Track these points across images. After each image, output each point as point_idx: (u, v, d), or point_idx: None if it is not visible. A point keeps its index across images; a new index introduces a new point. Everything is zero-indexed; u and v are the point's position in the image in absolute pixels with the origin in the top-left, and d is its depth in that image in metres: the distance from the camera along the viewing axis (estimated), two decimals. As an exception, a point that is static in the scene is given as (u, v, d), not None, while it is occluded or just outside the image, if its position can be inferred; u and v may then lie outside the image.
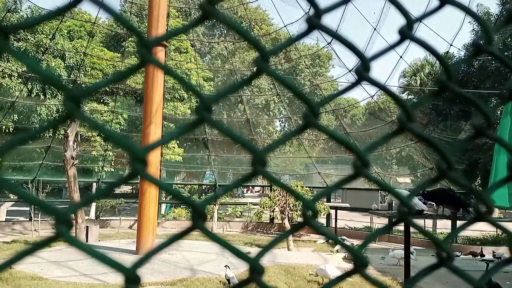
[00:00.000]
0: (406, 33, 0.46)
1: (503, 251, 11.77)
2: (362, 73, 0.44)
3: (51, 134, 16.94)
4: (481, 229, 15.10)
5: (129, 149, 0.39)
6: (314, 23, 0.41)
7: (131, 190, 32.13)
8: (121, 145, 0.39)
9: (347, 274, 0.45)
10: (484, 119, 0.49)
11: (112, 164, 19.63)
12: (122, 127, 19.20)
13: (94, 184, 18.58)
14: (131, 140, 0.42)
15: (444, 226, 15.48)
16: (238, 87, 0.45)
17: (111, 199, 19.22)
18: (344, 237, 13.70)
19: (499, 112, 14.45)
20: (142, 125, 11.95)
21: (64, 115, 0.37)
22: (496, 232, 13.85)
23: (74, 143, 12.89)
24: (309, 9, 15.10)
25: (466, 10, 0.50)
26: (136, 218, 12.13)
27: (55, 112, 16.80)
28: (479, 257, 11.73)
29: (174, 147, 19.50)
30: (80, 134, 16.30)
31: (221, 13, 0.39)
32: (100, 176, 18.12)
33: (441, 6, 0.47)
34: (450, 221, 13.38)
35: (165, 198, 20.41)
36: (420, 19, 0.49)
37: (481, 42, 0.51)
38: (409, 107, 0.47)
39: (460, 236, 14.18)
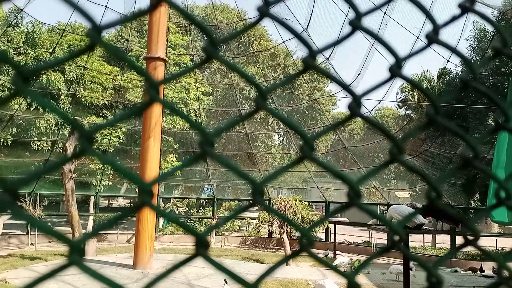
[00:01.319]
0: (395, 71, 0.49)
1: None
2: (355, 109, 0.47)
3: (49, 148, 16.95)
4: (481, 244, 15.03)
5: (137, 183, 0.42)
6: (310, 64, 0.44)
7: (129, 204, 32.00)
8: (130, 179, 0.42)
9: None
10: (471, 150, 0.53)
11: (110, 177, 19.59)
12: (121, 140, 19.22)
13: (92, 198, 18.51)
14: (137, 175, 0.45)
15: (443, 241, 15.43)
16: (238, 122, 0.48)
17: (108, 213, 19.14)
18: (338, 252, 13.63)
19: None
20: (141, 139, 11.98)
21: (78, 152, 0.40)
22: (496, 247, 13.81)
23: (72, 157, 12.87)
24: (307, 25, 15.28)
25: (453, 51, 0.54)
26: (134, 232, 12.06)
27: (53, 126, 16.84)
28: (478, 272, 11.68)
29: (172, 160, 19.50)
30: (79, 148, 16.30)
31: (222, 56, 0.42)
32: (98, 189, 18.07)
33: (428, 45, 0.51)
34: (450, 236, 13.34)
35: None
36: (407, 58, 0.53)
37: (469, 77, 0.54)
38: (398, 141, 0.50)
39: (460, 251, 14.12)
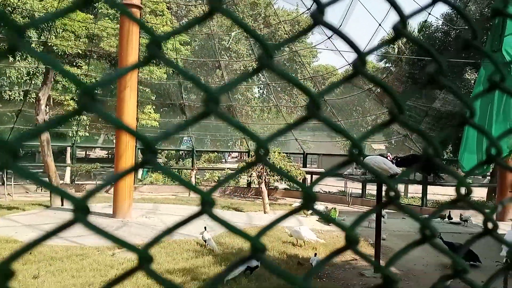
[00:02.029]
0: (400, 30, 0.49)
1: (469, 214, 12.40)
2: (360, 67, 0.46)
3: (21, 98, 16.39)
4: (450, 194, 15.77)
5: (144, 141, 0.41)
6: (319, 20, 0.43)
7: (107, 155, 31.79)
8: (140, 139, 0.41)
9: (339, 251, 0.50)
10: (467, 108, 0.53)
11: (87, 128, 19.27)
12: (96, 91, 18.67)
13: (69, 149, 18.26)
14: (141, 133, 0.44)
15: (415, 190, 16.08)
16: (244, 79, 0.47)
17: (86, 163, 19.00)
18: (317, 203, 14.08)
19: (472, 82, 14.80)
20: (116, 89, 11.68)
21: (78, 109, 0.39)
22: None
23: (46, 107, 12.55)
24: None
25: (456, 9, 0.53)
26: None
27: (25, 75, 16.18)
28: (446, 219, 12.36)
29: (150, 112, 19.22)
30: (53, 98, 15.82)
31: (226, 9, 0.41)
32: (75, 140, 17.80)
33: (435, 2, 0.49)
34: (421, 186, 13.91)
35: (142, 163, 20.31)
36: (411, 15, 0.52)
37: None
38: (400, 100, 0.50)
39: (430, 200, 14.80)
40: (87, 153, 33.83)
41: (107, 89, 19.63)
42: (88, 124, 19.25)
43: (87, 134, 19.84)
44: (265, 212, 12.59)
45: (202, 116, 0.44)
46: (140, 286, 6.01)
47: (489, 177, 17.32)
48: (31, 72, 16.19)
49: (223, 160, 31.73)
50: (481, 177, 18.04)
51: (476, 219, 12.75)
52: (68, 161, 18.29)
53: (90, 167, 17.72)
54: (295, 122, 0.47)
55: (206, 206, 0.43)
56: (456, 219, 12.15)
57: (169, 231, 0.43)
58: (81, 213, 0.41)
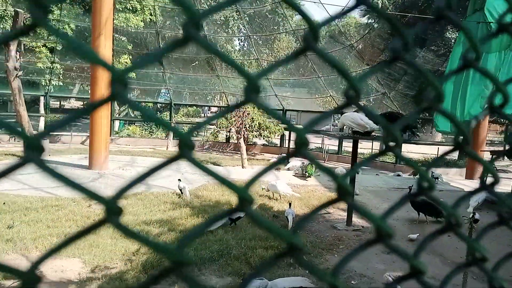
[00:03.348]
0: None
1: (440, 171, 12.83)
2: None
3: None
4: (422, 152, 16.22)
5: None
6: None
7: (83, 106, 30.98)
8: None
9: (330, 203, 0.46)
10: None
11: (60, 77, 18.60)
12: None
13: (42, 98, 17.65)
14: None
15: (389, 148, 16.40)
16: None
17: (61, 114, 18.51)
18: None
19: (453, 41, 14.81)
20: (91, 37, 11.17)
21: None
22: (437, 155, 14.93)
23: (16, 53, 11.97)
24: None
25: None
26: (88, 134, 11.83)
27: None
28: (418, 176, 12.78)
29: (126, 62, 18.59)
30: (24, 44, 15.06)
31: None
32: (48, 90, 17.19)
33: None
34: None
35: (118, 115, 19.92)
36: None
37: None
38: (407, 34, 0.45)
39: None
40: (62, 103, 32.89)
41: (81, 36, 18.80)
42: (61, 73, 18.56)
43: (61, 84, 19.18)
44: (243, 167, 12.69)
45: (182, 42, 0.38)
46: (117, 237, 6.04)
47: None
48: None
49: (202, 114, 31.44)
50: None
51: (447, 177, 13.22)
52: (42, 111, 17.73)
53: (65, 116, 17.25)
54: (291, 56, 0.41)
55: (185, 149, 0.38)
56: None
57: (143, 177, 0.38)
58: (33, 151, 0.35)
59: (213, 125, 16.33)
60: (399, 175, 13.24)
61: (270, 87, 18.61)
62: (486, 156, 12.90)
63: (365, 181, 11.29)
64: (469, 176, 13.15)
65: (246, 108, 14.10)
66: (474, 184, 10.85)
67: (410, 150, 16.88)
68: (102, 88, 10.30)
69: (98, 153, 10.79)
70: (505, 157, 15.02)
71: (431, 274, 5.38)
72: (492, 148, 13.60)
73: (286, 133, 15.51)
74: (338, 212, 8.24)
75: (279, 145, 17.55)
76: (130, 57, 19.00)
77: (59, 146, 15.49)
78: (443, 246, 6.30)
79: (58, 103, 32.45)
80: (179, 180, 8.38)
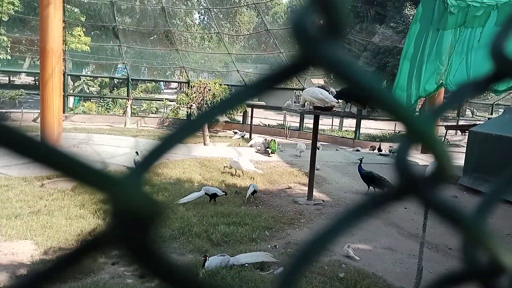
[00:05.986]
0: None
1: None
2: None
3: None
4: (381, 128, 16.63)
5: None
6: None
7: (34, 82, 29.32)
8: None
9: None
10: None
11: (8, 51, 17.44)
12: (16, 8, 16.68)
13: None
14: None
15: (350, 124, 16.72)
16: None
17: (10, 90, 17.44)
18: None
19: (411, 18, 15.04)
20: (39, 7, 10.43)
21: None
22: (394, 130, 15.36)
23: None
24: None
25: None
26: (40, 111, 11.20)
27: None
28: (376, 151, 13.13)
29: (80, 35, 17.65)
30: None
31: None
32: (-6, 63, 16.09)
33: None
34: (355, 120, 14.45)
35: (72, 91, 19.04)
36: None
37: None
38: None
39: (362, 133, 15.49)
40: (11, 78, 31.02)
41: (29, 6, 17.63)
42: (9, 46, 17.39)
43: (9, 58, 18.01)
44: (205, 144, 12.52)
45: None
46: (72, 217, 5.82)
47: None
48: None
49: (161, 90, 30.64)
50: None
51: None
52: (-12, 86, 16.64)
53: (14, 93, 16.30)
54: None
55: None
56: (385, 151, 12.92)
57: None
58: None
59: (173, 101, 15.94)
60: (358, 150, 13.54)
61: (232, 62, 18.31)
62: (441, 131, 13.40)
63: (325, 156, 11.45)
64: (425, 151, 13.62)
65: (207, 84, 13.84)
66: (428, 158, 11.26)
67: (369, 126, 17.25)
68: (52, 62, 9.72)
69: (51, 130, 10.26)
70: (458, 132, 15.66)
71: (388, 244, 5.57)
72: (446, 123, 14.10)
73: (249, 109, 15.38)
74: (299, 187, 8.33)
75: (241, 122, 17.44)
76: (84, 29, 18.05)
77: (10, 123, 14.62)
78: (400, 218, 6.53)
79: (7, 78, 30.62)
80: (136, 153, 8.16)
